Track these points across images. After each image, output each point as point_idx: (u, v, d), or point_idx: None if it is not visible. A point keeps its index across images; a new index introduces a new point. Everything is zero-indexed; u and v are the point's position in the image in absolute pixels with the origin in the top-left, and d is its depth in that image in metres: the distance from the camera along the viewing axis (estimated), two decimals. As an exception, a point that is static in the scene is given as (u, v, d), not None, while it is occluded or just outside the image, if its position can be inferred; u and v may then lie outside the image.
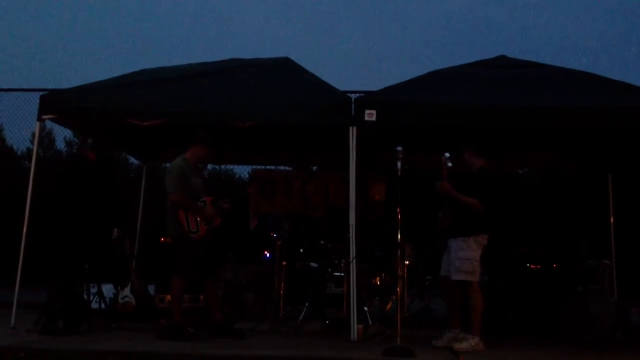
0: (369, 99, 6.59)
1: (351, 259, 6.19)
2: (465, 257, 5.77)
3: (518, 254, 7.75)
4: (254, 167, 9.96)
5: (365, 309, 6.86)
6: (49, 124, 7.79)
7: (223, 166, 13.15)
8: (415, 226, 7.04)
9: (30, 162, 7.29)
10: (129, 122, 6.86)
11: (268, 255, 8.34)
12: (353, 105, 6.42)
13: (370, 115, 6.27)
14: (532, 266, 7.64)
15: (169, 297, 7.45)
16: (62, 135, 14.56)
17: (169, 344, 5.54)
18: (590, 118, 6.20)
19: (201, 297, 7.39)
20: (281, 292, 7.49)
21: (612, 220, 8.46)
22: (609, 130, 6.91)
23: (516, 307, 7.27)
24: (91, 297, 6.94)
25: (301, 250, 8.03)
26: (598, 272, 7.04)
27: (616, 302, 6.83)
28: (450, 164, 5.78)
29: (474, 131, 6.50)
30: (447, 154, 5.79)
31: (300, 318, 7.09)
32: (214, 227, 6.25)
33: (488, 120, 6.32)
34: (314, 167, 10.05)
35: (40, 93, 7.02)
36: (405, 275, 7.34)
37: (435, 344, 5.85)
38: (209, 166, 12.46)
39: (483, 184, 5.86)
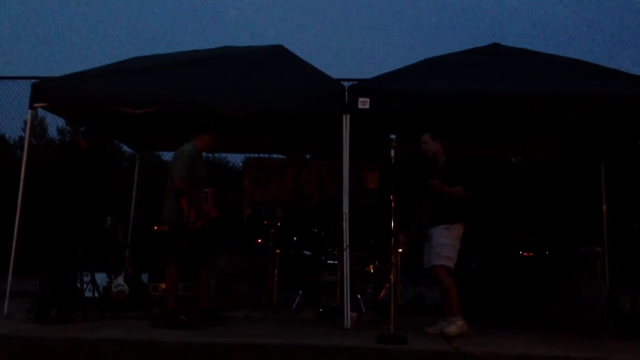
0: (362, 86, 6.58)
1: (345, 246, 6.20)
2: (447, 243, 5.88)
3: (511, 242, 7.78)
4: (247, 155, 9.95)
5: (359, 296, 6.87)
6: (41, 113, 7.75)
7: (217, 155, 13.15)
8: (411, 214, 7.08)
9: (22, 150, 7.26)
10: (122, 110, 6.83)
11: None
12: (346, 93, 6.41)
13: (363, 103, 6.27)
14: (525, 253, 7.67)
15: (163, 285, 7.47)
16: (54, 123, 14.50)
17: (163, 332, 5.54)
18: (582, 105, 6.22)
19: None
20: (275, 280, 7.50)
21: (604, 208, 8.49)
22: (601, 118, 6.92)
23: (509, 294, 7.31)
24: (84, 286, 6.93)
25: (295, 238, 8.03)
26: (590, 260, 7.08)
27: (608, 289, 6.88)
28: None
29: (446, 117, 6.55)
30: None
31: (294, 306, 7.11)
32: (211, 220, 6.25)
33: (481, 107, 6.34)
34: (308, 156, 10.05)
35: (32, 81, 6.99)
36: (398, 263, 7.36)
37: (428, 330, 5.89)
38: (203, 154, 12.46)
39: (464, 172, 5.92)
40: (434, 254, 5.92)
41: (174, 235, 6.16)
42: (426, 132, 6.21)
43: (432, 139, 6.18)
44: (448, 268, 5.90)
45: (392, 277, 5.76)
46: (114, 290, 7.23)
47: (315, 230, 7.98)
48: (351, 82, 6.88)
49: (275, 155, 9.91)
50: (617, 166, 8.96)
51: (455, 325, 5.79)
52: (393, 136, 5.62)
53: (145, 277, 8.01)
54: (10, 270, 6.41)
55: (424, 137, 6.19)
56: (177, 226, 6.13)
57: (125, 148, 11.76)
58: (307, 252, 7.83)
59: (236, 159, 12.31)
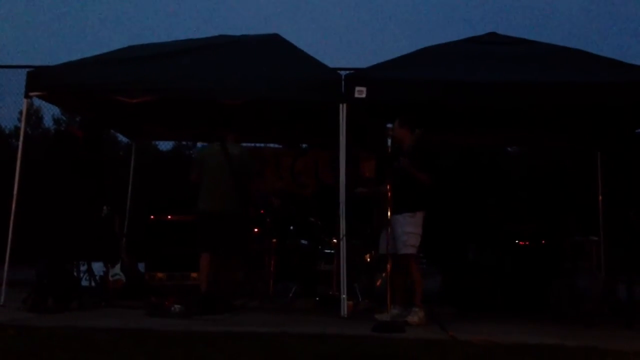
0: (359, 76, 6.57)
1: (341, 236, 6.20)
2: (413, 231, 5.83)
3: (507, 231, 7.80)
4: (243, 144, 9.92)
5: (355, 285, 6.88)
6: (37, 102, 7.73)
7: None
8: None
9: (18, 140, 7.24)
10: (118, 99, 6.81)
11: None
12: (343, 82, 6.40)
13: (360, 92, 6.27)
14: (521, 242, 7.69)
15: (159, 274, 7.52)
16: (50, 113, 14.42)
17: (160, 321, 5.54)
18: (580, 94, 6.22)
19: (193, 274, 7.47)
20: (271, 269, 7.50)
21: (600, 197, 8.51)
22: (598, 107, 6.92)
23: (505, 282, 7.34)
24: (81, 275, 6.93)
25: (291, 227, 8.03)
26: (586, 249, 7.10)
27: (603, 278, 6.91)
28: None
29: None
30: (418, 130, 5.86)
31: (291, 295, 7.12)
32: None
33: (478, 96, 6.33)
34: (304, 145, 10.03)
35: (28, 70, 6.96)
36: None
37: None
38: (199, 144, 12.46)
39: (428, 160, 5.87)
40: (400, 243, 5.87)
41: (238, 226, 6.54)
42: (397, 118, 6.13)
43: (400, 125, 6.08)
44: (413, 256, 5.88)
45: (388, 266, 5.74)
46: (110, 279, 7.25)
47: (312, 219, 7.98)
48: (348, 72, 6.88)
49: (271, 145, 9.90)
50: (614, 155, 8.98)
51: (417, 316, 5.74)
52: (390, 125, 5.61)
53: (142, 267, 8.01)
54: (7, 259, 6.40)
55: (395, 122, 6.13)
56: (238, 217, 6.51)
57: (121, 137, 11.74)
58: (303, 242, 7.83)
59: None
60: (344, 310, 6.06)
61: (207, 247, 6.50)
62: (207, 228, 6.52)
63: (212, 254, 6.50)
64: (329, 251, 7.40)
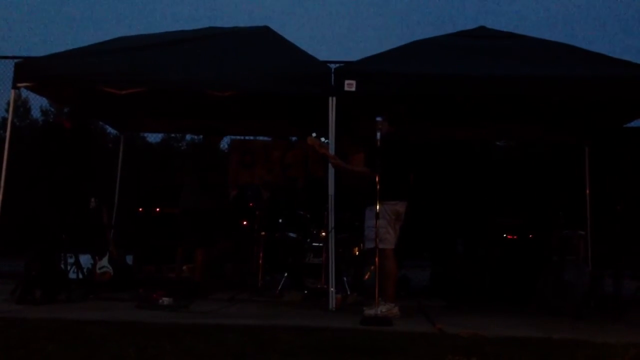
0: (348, 69, 6.57)
1: (330, 229, 6.20)
2: (371, 225, 5.76)
3: (496, 225, 7.83)
4: (233, 137, 9.91)
5: (344, 279, 6.89)
6: (24, 93, 7.67)
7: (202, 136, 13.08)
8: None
9: (5, 131, 7.18)
10: (106, 90, 6.76)
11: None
12: (333, 75, 6.40)
13: (349, 85, 6.27)
14: (509, 236, 7.73)
15: (148, 267, 7.56)
16: (38, 104, 14.32)
17: (148, 313, 5.53)
18: (568, 88, 6.25)
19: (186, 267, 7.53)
20: (260, 262, 7.50)
21: (587, 191, 8.55)
22: (586, 101, 6.96)
23: (493, 276, 7.37)
24: (69, 268, 6.90)
25: (280, 220, 8.03)
26: (573, 243, 7.14)
27: (590, 271, 6.95)
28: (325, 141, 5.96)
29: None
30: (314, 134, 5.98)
31: (279, 288, 7.12)
32: None
33: (467, 90, 6.35)
34: (293, 138, 10.02)
35: (16, 60, 6.91)
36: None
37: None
38: (188, 136, 12.40)
39: (379, 150, 5.82)
40: (366, 238, 5.90)
41: (211, 221, 6.97)
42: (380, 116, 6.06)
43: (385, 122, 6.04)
44: (383, 249, 5.71)
45: (377, 259, 5.75)
46: (98, 271, 7.23)
47: (301, 212, 7.98)
48: (337, 64, 6.87)
49: (261, 138, 9.88)
50: (602, 150, 9.02)
51: (381, 309, 5.56)
52: (379, 118, 5.61)
53: (130, 259, 7.99)
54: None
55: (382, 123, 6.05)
56: (214, 212, 6.94)
57: (109, 129, 11.68)
58: (292, 235, 7.83)
59: (222, 141, 12.25)
60: (333, 303, 6.07)
61: (196, 241, 6.97)
62: (189, 224, 6.99)
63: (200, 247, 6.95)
64: (317, 244, 7.40)
